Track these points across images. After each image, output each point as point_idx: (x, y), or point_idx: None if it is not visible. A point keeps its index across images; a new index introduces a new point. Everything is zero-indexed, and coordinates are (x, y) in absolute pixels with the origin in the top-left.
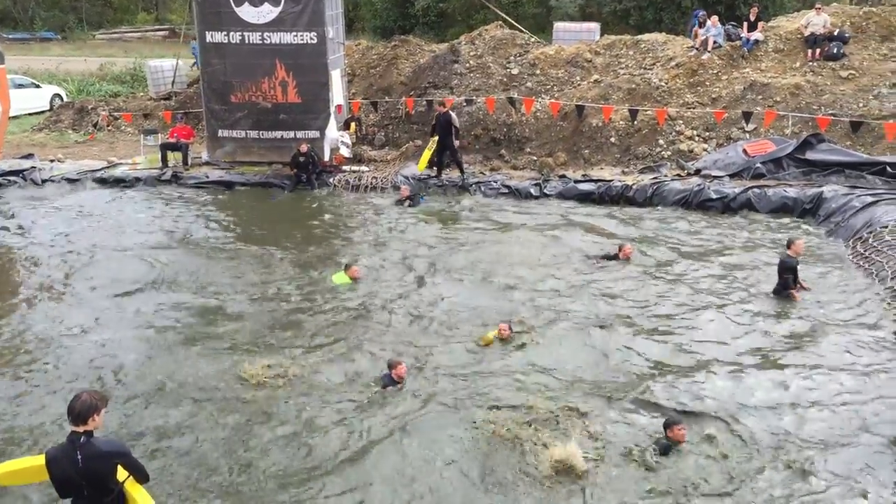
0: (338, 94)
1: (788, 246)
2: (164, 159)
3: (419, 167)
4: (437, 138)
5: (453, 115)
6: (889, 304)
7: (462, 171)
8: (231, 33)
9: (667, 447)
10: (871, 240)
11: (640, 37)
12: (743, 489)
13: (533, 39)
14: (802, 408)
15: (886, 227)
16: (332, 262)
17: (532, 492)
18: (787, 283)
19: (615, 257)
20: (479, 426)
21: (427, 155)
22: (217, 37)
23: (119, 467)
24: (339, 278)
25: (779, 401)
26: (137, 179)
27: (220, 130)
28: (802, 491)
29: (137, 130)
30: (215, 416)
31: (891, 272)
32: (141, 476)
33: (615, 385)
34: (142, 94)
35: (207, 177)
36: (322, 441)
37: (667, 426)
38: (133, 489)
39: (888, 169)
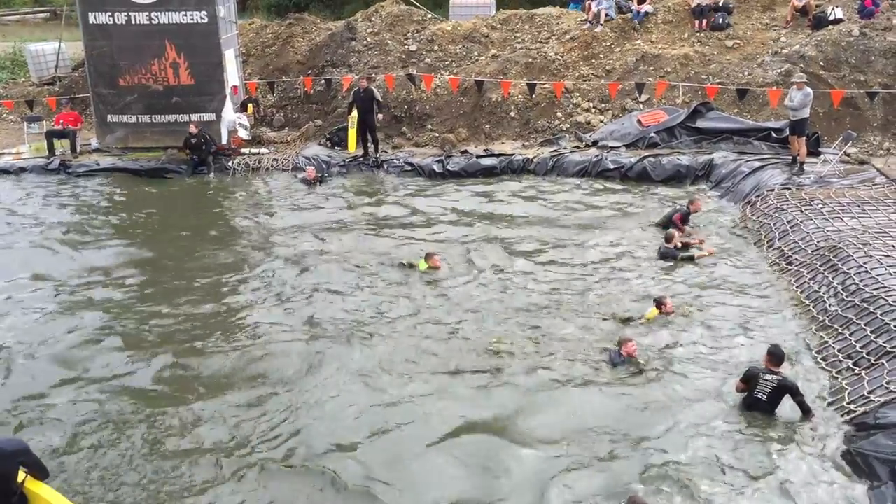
0: (232, 74)
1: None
2: (51, 147)
3: (350, 148)
4: (356, 115)
5: (375, 90)
6: (774, 263)
7: (377, 149)
8: (116, 13)
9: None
10: (758, 203)
11: (534, 11)
12: None
13: (429, 16)
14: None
15: (773, 190)
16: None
17: None
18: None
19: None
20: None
21: (353, 134)
22: (101, 17)
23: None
24: (422, 266)
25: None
26: (22, 170)
27: (109, 115)
28: None
29: (20, 118)
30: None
31: (778, 233)
32: (41, 472)
33: None
34: (23, 79)
35: (98, 164)
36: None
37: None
38: (35, 486)
39: (773, 134)
